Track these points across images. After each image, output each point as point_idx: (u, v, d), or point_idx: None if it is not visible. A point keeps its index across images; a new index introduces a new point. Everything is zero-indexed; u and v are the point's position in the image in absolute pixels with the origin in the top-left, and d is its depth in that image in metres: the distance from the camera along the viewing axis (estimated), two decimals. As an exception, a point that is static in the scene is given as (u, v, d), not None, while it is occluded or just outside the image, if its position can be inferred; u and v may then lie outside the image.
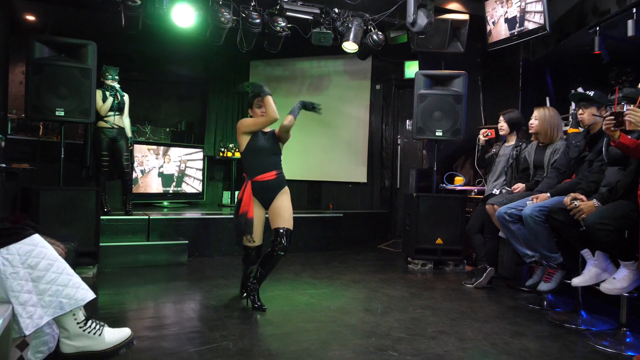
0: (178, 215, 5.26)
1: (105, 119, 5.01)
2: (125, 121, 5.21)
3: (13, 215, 3.08)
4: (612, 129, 2.54)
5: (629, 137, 2.55)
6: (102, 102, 4.96)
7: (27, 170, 4.27)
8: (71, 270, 1.71)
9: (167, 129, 7.24)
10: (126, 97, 5.20)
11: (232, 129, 7.58)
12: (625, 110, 2.46)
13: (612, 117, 2.53)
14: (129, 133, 5.28)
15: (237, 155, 7.15)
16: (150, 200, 6.58)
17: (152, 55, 6.95)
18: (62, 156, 4.21)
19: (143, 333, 2.68)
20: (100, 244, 4.18)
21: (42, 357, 1.73)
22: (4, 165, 3.73)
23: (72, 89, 4.03)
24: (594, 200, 2.82)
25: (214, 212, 5.94)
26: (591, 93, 3.16)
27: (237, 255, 5.23)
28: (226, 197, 7.25)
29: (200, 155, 7.16)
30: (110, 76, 5.06)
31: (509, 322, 3.12)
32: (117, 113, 5.07)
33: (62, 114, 4.00)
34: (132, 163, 5.57)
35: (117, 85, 5.09)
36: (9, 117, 5.72)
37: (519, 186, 3.86)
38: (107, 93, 5.00)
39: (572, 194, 2.90)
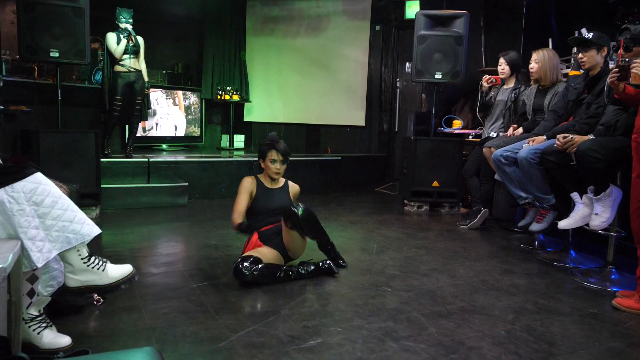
0: (177, 158, 5.30)
1: (121, 62, 5.00)
2: (141, 65, 5.19)
3: (14, 156, 3.11)
4: (617, 82, 2.56)
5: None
6: (116, 45, 4.92)
7: (25, 113, 4.26)
8: (76, 207, 1.75)
9: (164, 72, 7.12)
10: (141, 40, 5.14)
11: (229, 71, 7.45)
12: (631, 63, 2.44)
13: (617, 70, 2.53)
14: (145, 77, 5.27)
15: (235, 98, 7.09)
16: (149, 143, 6.59)
17: (146, -7, 6.72)
18: (59, 98, 4.19)
19: (146, 269, 2.78)
20: (102, 186, 4.24)
21: (52, 290, 1.81)
22: (1, 107, 3.72)
23: (65, 29, 3.95)
24: (590, 135, 2.86)
25: (213, 155, 5.97)
26: (590, 35, 3.11)
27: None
28: (224, 140, 7.25)
29: (198, 97, 7.11)
30: (124, 19, 5.01)
31: (500, 261, 3.24)
32: (132, 56, 5.04)
33: (57, 55, 3.95)
34: (148, 108, 5.57)
35: (130, 27, 5.01)
36: (3, 58, 5.62)
37: (517, 129, 3.87)
38: (121, 36, 4.94)
39: (561, 134, 2.94)
